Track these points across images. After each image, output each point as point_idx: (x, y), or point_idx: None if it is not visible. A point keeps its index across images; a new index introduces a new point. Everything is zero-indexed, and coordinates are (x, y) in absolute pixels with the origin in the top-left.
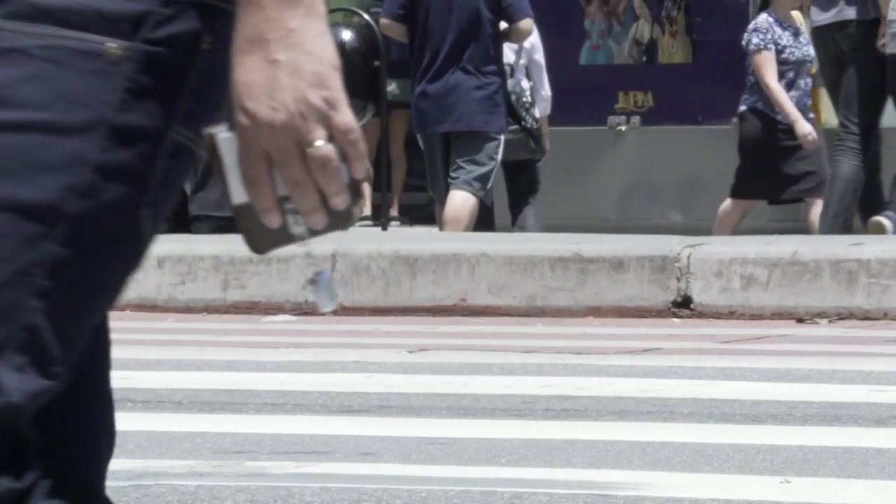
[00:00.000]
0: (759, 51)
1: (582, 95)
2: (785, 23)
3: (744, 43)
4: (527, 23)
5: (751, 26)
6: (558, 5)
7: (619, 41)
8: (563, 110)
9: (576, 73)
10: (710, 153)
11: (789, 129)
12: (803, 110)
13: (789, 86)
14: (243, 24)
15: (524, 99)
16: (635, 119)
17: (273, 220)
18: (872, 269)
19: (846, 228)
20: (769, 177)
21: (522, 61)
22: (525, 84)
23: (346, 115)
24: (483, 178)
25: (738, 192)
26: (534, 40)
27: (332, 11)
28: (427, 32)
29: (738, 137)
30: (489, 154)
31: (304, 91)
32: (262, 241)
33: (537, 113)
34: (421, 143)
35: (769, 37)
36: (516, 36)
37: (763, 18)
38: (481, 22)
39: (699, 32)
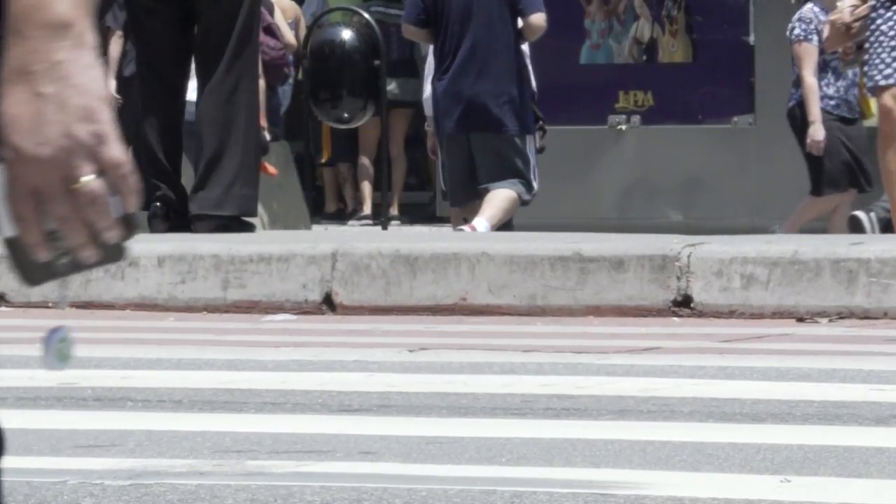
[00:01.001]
0: (799, 41)
1: (582, 95)
2: (830, 12)
3: (787, 33)
4: (538, 17)
5: (795, 16)
6: (559, 4)
7: (620, 40)
8: (563, 110)
9: (576, 73)
10: (711, 152)
11: (841, 118)
12: (851, 101)
13: (837, 75)
14: (9, 55)
15: None
16: (636, 118)
17: (41, 255)
18: (872, 269)
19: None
20: (839, 167)
21: None
22: None
23: (115, 150)
24: (528, 184)
25: (817, 190)
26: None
27: (331, 11)
28: (448, 35)
29: (795, 136)
30: (523, 159)
31: (70, 126)
32: (33, 274)
33: None
34: (440, 144)
35: (812, 27)
36: (528, 31)
37: (808, 8)
38: (500, 22)
39: (699, 32)
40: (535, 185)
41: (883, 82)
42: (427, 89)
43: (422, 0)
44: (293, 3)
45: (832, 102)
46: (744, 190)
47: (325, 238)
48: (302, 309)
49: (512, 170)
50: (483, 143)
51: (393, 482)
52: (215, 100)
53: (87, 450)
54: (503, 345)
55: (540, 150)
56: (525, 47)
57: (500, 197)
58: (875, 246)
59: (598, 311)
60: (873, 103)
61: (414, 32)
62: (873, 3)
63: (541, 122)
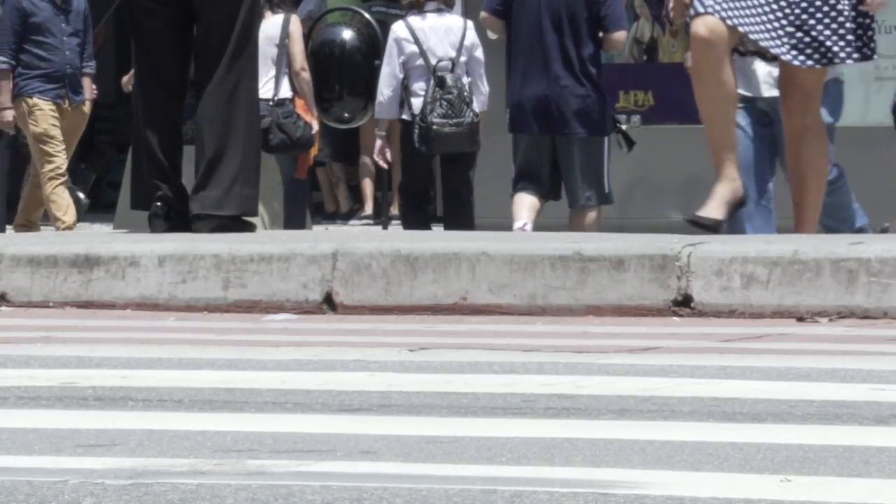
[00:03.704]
0: None
1: None
2: None
3: None
4: (621, 35)
5: None
6: None
7: None
8: None
9: None
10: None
11: None
12: None
13: None
14: None
15: (465, 93)
16: (636, 118)
17: None
18: (873, 268)
19: None
20: None
21: (463, 58)
22: (465, 79)
23: None
24: (602, 192)
25: None
26: (473, 38)
27: (331, 11)
28: (524, 32)
29: None
30: (597, 162)
31: None
32: None
33: (477, 108)
34: (514, 140)
35: None
36: (608, 45)
37: None
38: (578, 25)
39: None
40: (607, 186)
41: (701, 9)
42: (385, 93)
43: None
44: None
45: None
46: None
47: (325, 238)
48: (302, 308)
49: (593, 174)
50: (566, 147)
51: (393, 481)
52: (215, 100)
53: (87, 449)
54: (503, 344)
55: (630, 147)
56: (479, 54)
57: (591, 223)
58: (875, 245)
59: (598, 310)
60: None
61: (492, 22)
62: None
63: (618, 125)
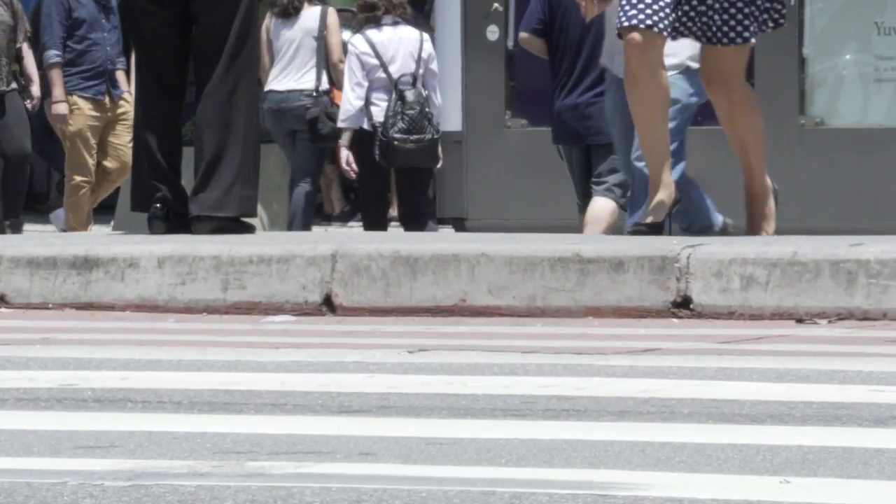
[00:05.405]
0: None
1: None
2: None
3: None
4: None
5: None
6: None
7: None
8: None
9: None
10: (710, 153)
11: None
12: None
13: None
14: None
15: (427, 109)
16: None
17: None
18: (872, 270)
19: None
20: None
21: (421, 71)
22: (425, 93)
23: None
24: (624, 185)
25: None
26: (430, 50)
27: None
28: (564, 46)
29: None
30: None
31: None
32: None
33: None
34: (561, 154)
35: None
36: None
37: None
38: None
39: None
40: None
41: (627, 23)
42: (355, 103)
43: (541, 11)
44: None
45: None
46: (743, 191)
47: (324, 239)
48: (302, 310)
49: (622, 174)
50: (601, 154)
51: (392, 483)
52: (214, 101)
53: (87, 451)
54: (503, 346)
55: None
56: (434, 67)
57: (601, 218)
58: (874, 247)
59: (597, 312)
60: None
61: (530, 42)
62: None
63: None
